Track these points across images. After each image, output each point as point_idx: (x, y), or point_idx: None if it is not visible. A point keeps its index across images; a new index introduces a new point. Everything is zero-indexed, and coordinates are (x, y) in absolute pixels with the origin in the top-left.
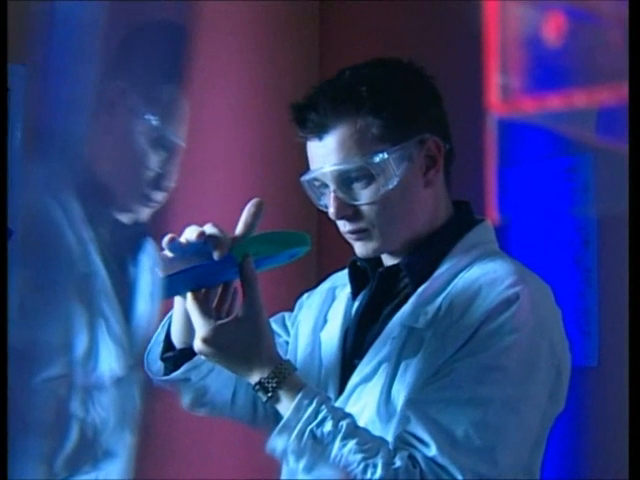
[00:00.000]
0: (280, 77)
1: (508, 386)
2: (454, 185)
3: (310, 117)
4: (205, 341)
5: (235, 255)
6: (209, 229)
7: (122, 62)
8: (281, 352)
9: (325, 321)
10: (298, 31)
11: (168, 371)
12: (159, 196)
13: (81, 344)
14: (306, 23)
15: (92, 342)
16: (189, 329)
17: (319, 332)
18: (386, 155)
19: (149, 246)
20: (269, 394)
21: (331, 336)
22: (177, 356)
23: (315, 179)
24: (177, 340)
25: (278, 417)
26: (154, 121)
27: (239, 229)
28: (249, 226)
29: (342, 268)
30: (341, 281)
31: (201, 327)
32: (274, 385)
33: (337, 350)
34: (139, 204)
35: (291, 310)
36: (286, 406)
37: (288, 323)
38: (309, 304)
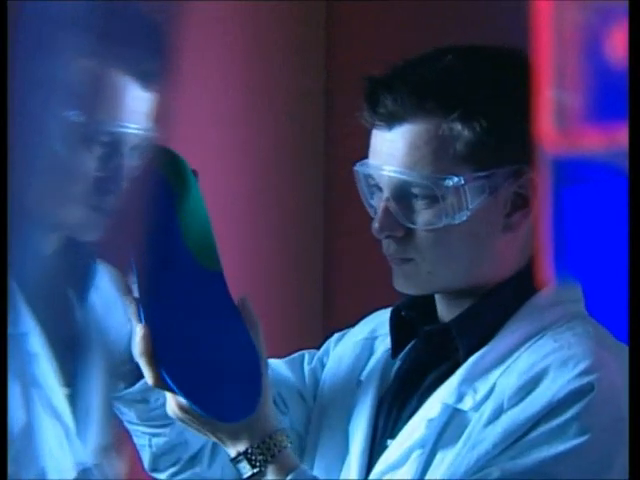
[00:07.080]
0: (281, 83)
1: None
2: None
3: (383, 100)
4: None
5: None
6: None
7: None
8: (291, 399)
9: (359, 383)
10: (302, 33)
11: (122, 389)
12: (104, 202)
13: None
14: (311, 25)
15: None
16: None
17: (350, 397)
18: (462, 181)
19: (105, 273)
20: (255, 470)
21: (363, 405)
22: (136, 370)
23: (370, 176)
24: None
25: None
26: (75, 116)
27: None
28: None
29: (363, 313)
30: (383, 329)
31: None
32: (268, 458)
33: (368, 424)
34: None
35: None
36: None
37: (306, 368)
38: (340, 355)
